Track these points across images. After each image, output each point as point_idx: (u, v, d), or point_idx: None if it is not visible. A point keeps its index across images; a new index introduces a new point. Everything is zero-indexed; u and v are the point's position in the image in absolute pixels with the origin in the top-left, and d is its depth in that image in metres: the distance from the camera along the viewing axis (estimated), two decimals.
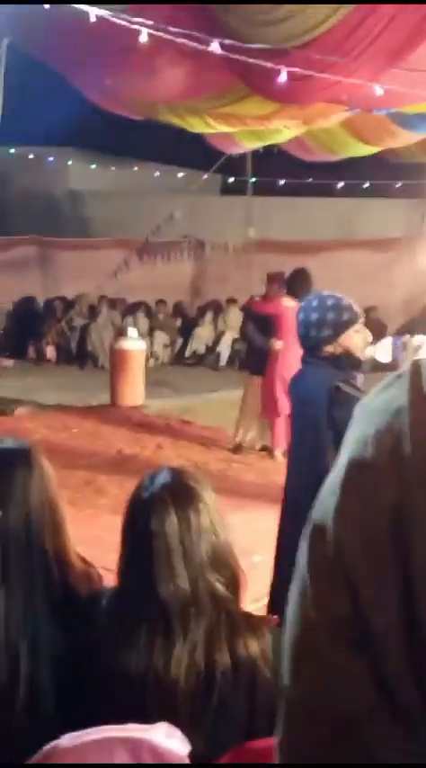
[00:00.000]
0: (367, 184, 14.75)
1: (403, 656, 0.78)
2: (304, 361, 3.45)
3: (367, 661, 0.79)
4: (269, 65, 6.18)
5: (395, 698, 0.78)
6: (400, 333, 7.45)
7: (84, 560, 1.92)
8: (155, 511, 1.72)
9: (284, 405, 7.58)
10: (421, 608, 0.77)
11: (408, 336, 5.48)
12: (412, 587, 0.78)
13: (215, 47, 5.91)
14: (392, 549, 0.80)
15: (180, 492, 1.75)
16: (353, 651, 0.80)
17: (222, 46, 5.97)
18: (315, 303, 3.37)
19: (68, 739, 1.48)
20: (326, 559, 0.84)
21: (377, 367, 3.57)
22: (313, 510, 0.90)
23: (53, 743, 1.47)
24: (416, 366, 0.88)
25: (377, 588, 0.80)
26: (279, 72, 6.22)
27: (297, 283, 7.61)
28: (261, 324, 8.14)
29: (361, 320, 3.41)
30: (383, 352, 4.91)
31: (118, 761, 1.49)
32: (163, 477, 1.78)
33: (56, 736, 1.49)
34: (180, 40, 6.01)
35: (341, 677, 0.80)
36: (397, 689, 0.78)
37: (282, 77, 6.16)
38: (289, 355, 7.40)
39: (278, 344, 7.85)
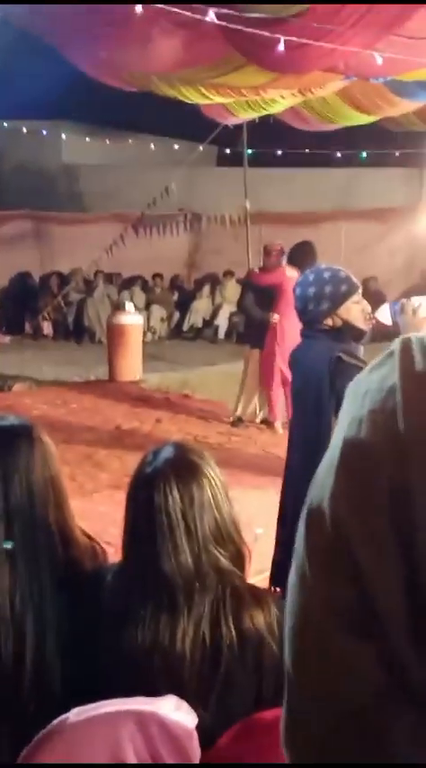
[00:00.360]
0: (364, 154, 14.64)
1: (411, 638, 0.77)
2: (303, 334, 3.44)
3: (373, 645, 0.78)
4: (265, 34, 6.10)
5: (405, 680, 0.78)
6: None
7: (87, 536, 1.92)
8: (158, 486, 1.72)
9: (283, 377, 7.58)
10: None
11: (404, 300, 5.45)
12: (417, 568, 0.77)
13: (210, 16, 5.83)
14: (393, 530, 0.79)
15: (183, 467, 1.75)
16: (359, 635, 0.79)
17: (218, 15, 5.89)
18: (311, 277, 3.36)
19: (76, 713, 1.49)
20: (325, 543, 0.83)
21: (376, 338, 3.56)
22: (309, 492, 0.89)
23: (61, 717, 1.49)
24: (406, 342, 0.87)
25: (380, 570, 0.79)
26: (275, 41, 6.15)
27: (300, 256, 7.54)
28: (260, 296, 8.11)
29: (360, 291, 3.39)
30: (383, 316, 4.89)
31: (126, 734, 1.50)
32: (166, 453, 1.78)
33: (64, 711, 1.50)
34: (175, 10, 5.93)
35: (347, 662, 0.79)
36: (406, 671, 0.77)
37: (280, 47, 6.08)
38: (288, 327, 7.39)
39: (275, 318, 7.83)
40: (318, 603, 0.83)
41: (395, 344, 0.89)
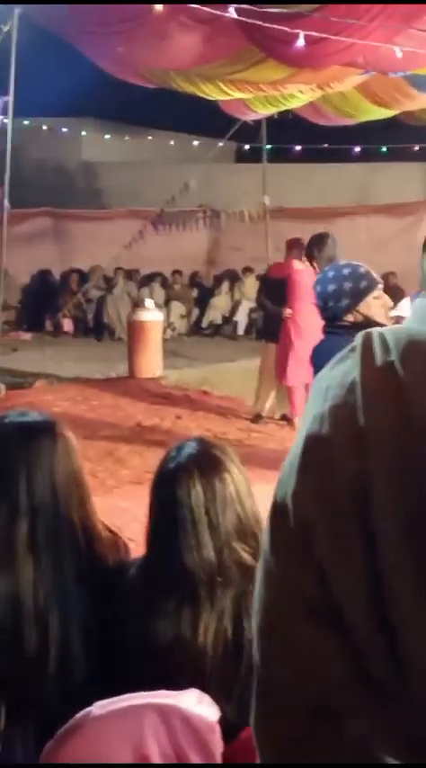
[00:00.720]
0: (384, 149, 14.56)
1: (373, 629, 0.78)
2: (325, 331, 3.44)
3: (339, 636, 0.79)
4: (284, 29, 6.09)
5: (369, 669, 0.78)
6: None
7: (110, 530, 1.93)
8: (181, 481, 1.73)
9: (298, 370, 7.56)
10: (388, 580, 0.77)
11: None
12: (378, 559, 0.78)
13: (230, 12, 5.82)
14: (354, 523, 0.79)
15: (206, 462, 1.75)
16: (324, 627, 0.80)
17: (237, 10, 5.88)
18: (331, 274, 3.36)
19: (100, 706, 1.50)
20: (290, 538, 0.83)
21: None
22: (275, 489, 0.90)
23: (85, 710, 1.50)
24: (367, 337, 0.89)
25: (343, 564, 0.80)
26: (294, 36, 6.13)
27: (316, 246, 7.45)
28: (276, 290, 8.10)
29: (380, 286, 3.38)
30: (404, 310, 4.89)
31: (148, 727, 1.51)
32: (189, 448, 1.79)
33: (87, 704, 1.51)
34: (194, 6, 5.93)
35: (313, 654, 0.79)
36: (370, 661, 0.78)
37: (299, 41, 6.06)
38: (302, 322, 7.38)
39: (287, 312, 7.84)
40: (284, 598, 0.83)
41: (358, 339, 0.90)
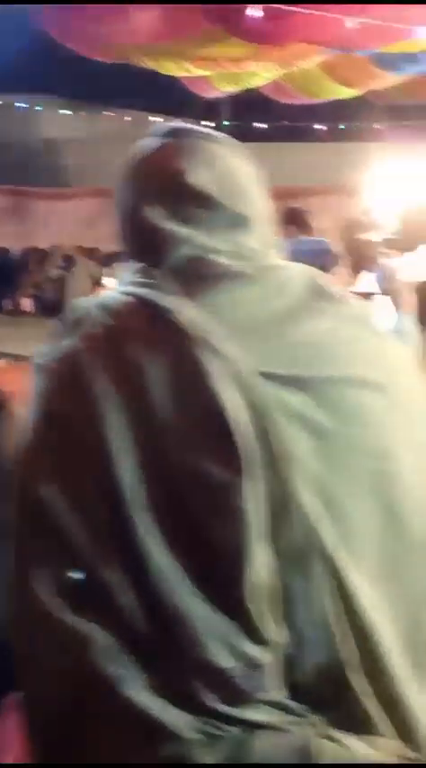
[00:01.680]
0: (342, 126, 14.56)
1: (135, 602, 0.78)
2: None
3: (98, 614, 0.79)
4: (244, 3, 6.01)
5: (132, 638, 0.78)
6: None
7: None
8: None
9: None
10: (141, 550, 0.78)
11: (385, 266, 5.47)
12: (127, 525, 0.78)
13: None
14: (97, 494, 0.80)
15: None
16: (82, 609, 0.80)
17: None
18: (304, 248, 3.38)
19: None
20: (38, 520, 0.83)
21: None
22: (16, 471, 0.88)
23: None
24: (78, 307, 0.93)
25: (94, 539, 0.79)
26: (253, 10, 6.06)
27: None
28: None
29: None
30: (370, 286, 4.89)
31: None
32: None
33: None
34: None
35: (73, 638, 0.80)
36: (133, 629, 0.78)
37: (257, 13, 6.00)
38: None
39: None
40: (36, 579, 0.83)
41: (73, 312, 0.93)
